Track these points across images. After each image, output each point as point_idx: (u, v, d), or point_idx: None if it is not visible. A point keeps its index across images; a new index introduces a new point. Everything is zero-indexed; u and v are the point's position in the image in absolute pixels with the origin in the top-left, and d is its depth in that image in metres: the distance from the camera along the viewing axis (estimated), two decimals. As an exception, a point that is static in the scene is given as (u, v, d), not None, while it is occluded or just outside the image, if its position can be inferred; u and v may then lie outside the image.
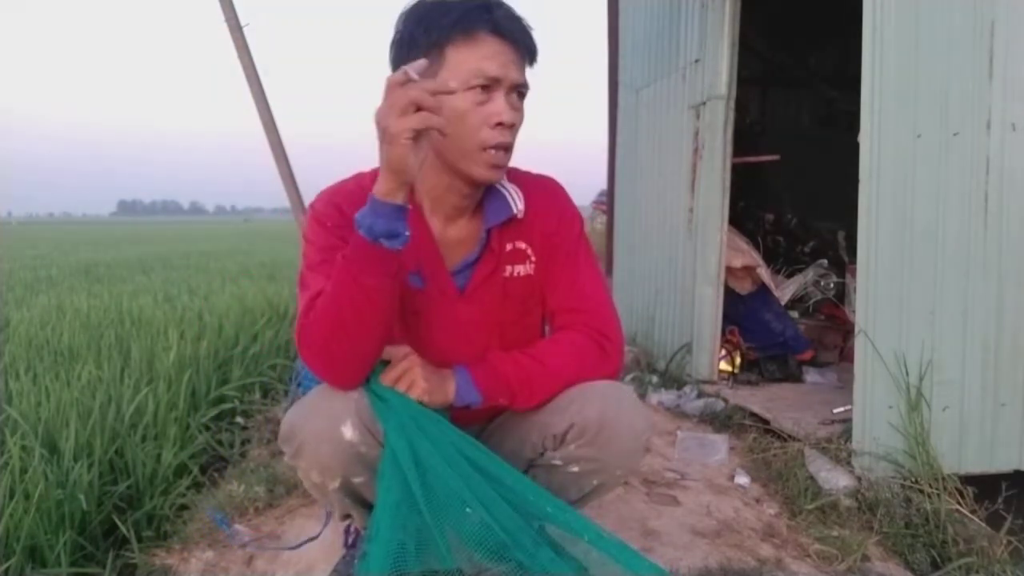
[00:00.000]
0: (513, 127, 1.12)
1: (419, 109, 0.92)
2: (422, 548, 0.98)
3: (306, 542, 1.60)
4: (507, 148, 1.13)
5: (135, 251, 13.47)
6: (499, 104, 1.09)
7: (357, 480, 1.13)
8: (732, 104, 3.00)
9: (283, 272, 7.34)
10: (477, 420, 1.31)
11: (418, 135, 0.94)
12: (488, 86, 1.09)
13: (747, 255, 3.28)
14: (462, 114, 1.08)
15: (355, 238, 0.99)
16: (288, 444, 1.13)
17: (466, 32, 1.07)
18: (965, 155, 2.07)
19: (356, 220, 0.99)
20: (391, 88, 0.92)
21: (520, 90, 1.13)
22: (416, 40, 1.11)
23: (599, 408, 1.15)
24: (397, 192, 0.97)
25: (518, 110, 1.13)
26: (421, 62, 0.95)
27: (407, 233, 1.00)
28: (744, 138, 3.91)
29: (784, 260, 4.10)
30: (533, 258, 1.27)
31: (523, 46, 1.11)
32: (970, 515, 1.89)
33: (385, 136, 0.94)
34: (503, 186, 1.25)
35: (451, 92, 0.98)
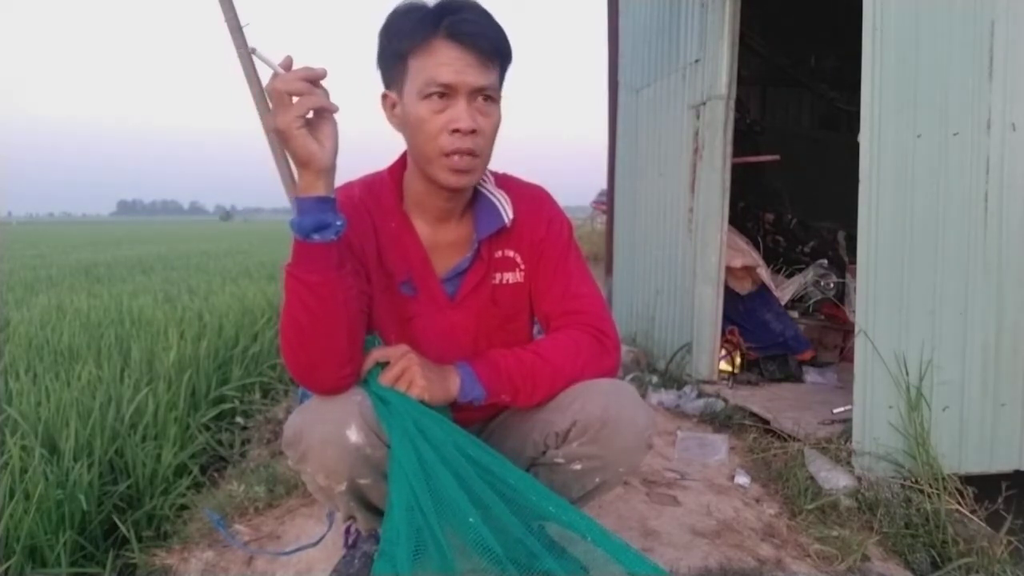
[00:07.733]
0: (475, 132, 1.10)
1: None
2: (432, 550, 0.98)
3: (307, 547, 1.59)
4: (469, 153, 1.11)
5: (135, 251, 13.46)
6: (457, 111, 1.08)
7: (363, 482, 1.13)
8: (732, 104, 3.01)
9: (283, 272, 7.33)
10: (477, 419, 1.32)
11: (309, 122, 0.95)
12: (445, 93, 1.08)
13: (747, 255, 3.28)
14: (422, 122, 1.10)
15: (293, 241, 1.01)
16: (293, 449, 1.12)
17: (422, 41, 1.08)
18: (965, 155, 2.07)
19: (289, 223, 1.00)
20: (270, 94, 0.94)
21: (485, 93, 1.10)
22: (385, 53, 1.13)
23: (602, 405, 1.15)
24: (315, 184, 0.98)
25: (485, 115, 1.11)
26: (286, 58, 0.95)
27: (339, 222, 1.00)
28: (744, 138, 3.92)
29: (784, 260, 4.10)
30: (522, 266, 1.28)
31: (484, 49, 1.08)
32: (970, 515, 1.89)
33: (280, 137, 0.95)
34: (492, 193, 1.25)
35: (320, 75, 0.94)
